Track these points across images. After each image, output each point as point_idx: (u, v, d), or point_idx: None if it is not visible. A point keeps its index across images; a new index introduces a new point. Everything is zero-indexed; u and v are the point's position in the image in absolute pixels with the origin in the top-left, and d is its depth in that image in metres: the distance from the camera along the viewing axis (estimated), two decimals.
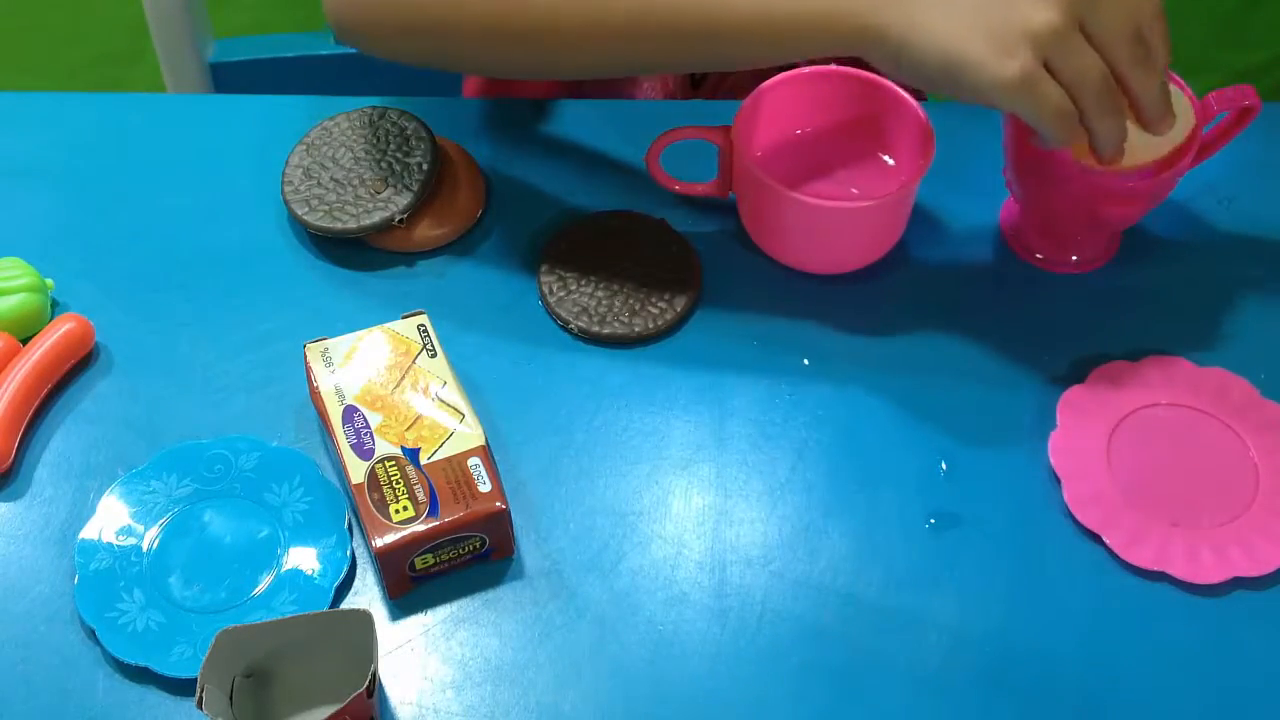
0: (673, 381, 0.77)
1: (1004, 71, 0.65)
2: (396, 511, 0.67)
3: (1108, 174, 0.73)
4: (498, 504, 0.67)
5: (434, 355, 0.72)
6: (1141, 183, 0.75)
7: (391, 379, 0.71)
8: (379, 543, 0.66)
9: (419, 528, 0.66)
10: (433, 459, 0.68)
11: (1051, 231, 0.81)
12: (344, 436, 0.69)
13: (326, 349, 0.72)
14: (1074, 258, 0.82)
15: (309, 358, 0.72)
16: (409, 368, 0.72)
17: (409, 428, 0.69)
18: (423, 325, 0.74)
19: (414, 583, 0.68)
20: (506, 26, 0.74)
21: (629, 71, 0.78)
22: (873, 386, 0.77)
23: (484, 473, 0.68)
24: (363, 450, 0.69)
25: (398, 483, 0.67)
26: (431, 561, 0.67)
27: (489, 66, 0.80)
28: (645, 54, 0.74)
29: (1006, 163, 0.79)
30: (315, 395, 0.72)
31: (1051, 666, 0.67)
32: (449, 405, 0.70)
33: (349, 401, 0.70)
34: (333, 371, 0.71)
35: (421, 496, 0.67)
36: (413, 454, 0.69)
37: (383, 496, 0.67)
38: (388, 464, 0.68)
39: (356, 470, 0.68)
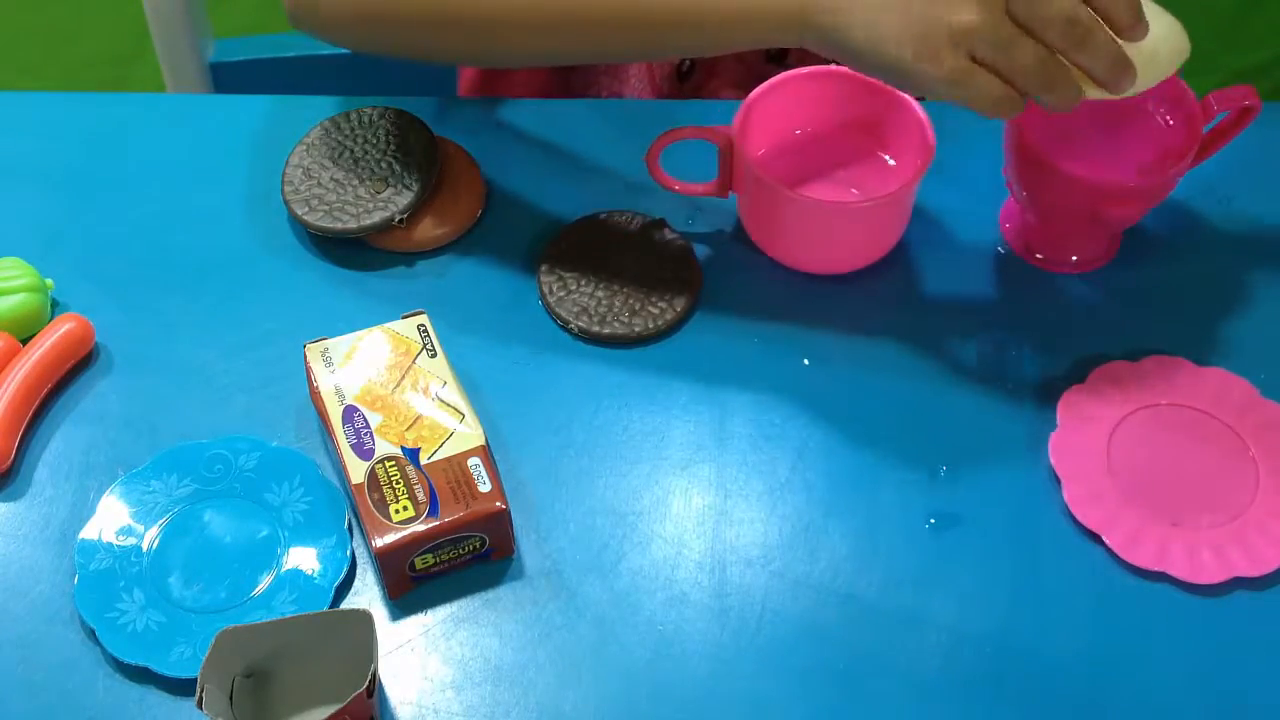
0: (673, 381, 0.77)
1: (933, 72, 0.65)
2: (396, 511, 0.67)
3: (1108, 177, 0.73)
4: (498, 504, 0.67)
5: (434, 355, 0.72)
6: (1142, 182, 0.75)
7: (391, 379, 0.71)
8: (379, 543, 0.66)
9: (419, 528, 0.66)
10: (433, 459, 0.68)
11: (1052, 231, 0.81)
12: (344, 436, 0.69)
13: (326, 349, 0.72)
14: (1074, 258, 0.82)
15: (309, 358, 0.72)
16: (409, 368, 0.72)
17: (409, 428, 0.69)
18: (422, 325, 0.74)
19: (414, 583, 0.68)
20: (449, 15, 0.75)
21: (575, 59, 0.79)
22: (873, 386, 0.77)
23: (484, 473, 0.68)
24: (363, 450, 0.69)
25: (398, 483, 0.67)
26: (431, 561, 0.67)
27: (436, 53, 0.81)
28: (588, 42, 0.75)
29: (1007, 162, 0.79)
30: (315, 395, 0.72)
31: (1051, 666, 0.67)
32: (449, 405, 0.70)
33: (349, 401, 0.70)
34: (333, 371, 0.71)
35: (421, 496, 0.67)
36: (413, 454, 0.68)
37: (383, 496, 0.67)
38: (388, 464, 0.68)
39: (356, 470, 0.68)
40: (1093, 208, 0.76)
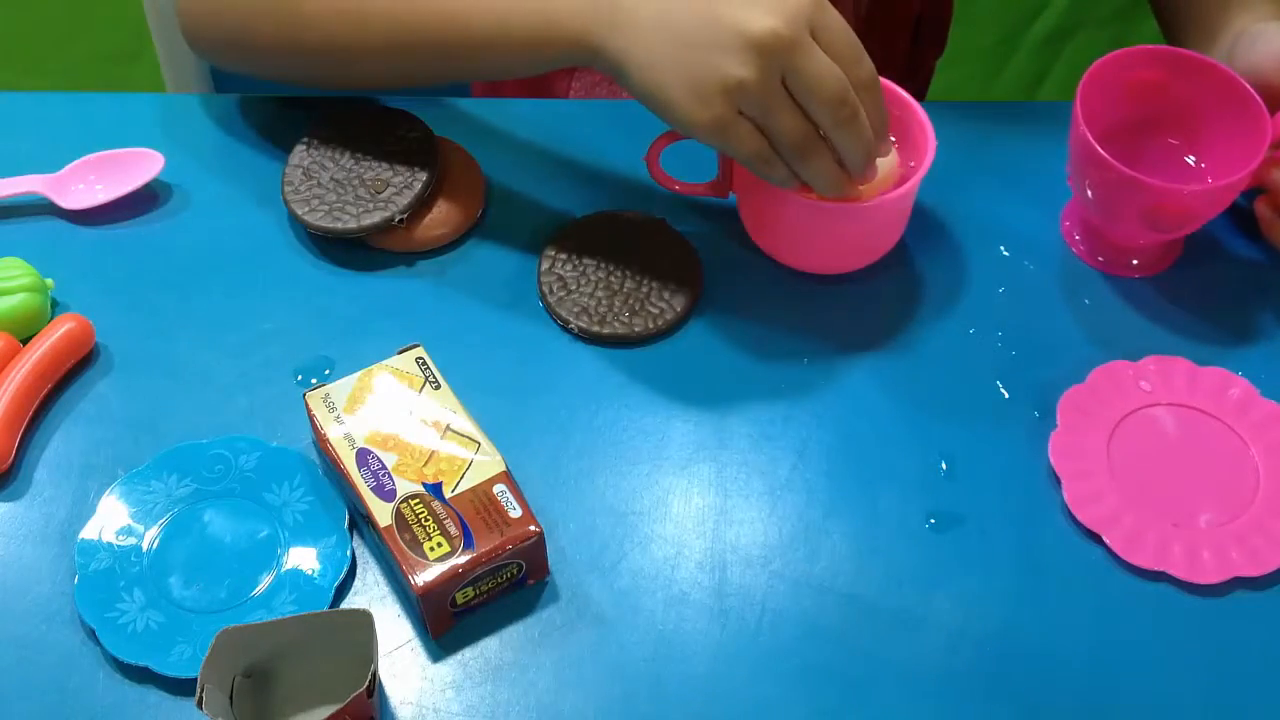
0: (673, 381, 0.77)
1: (698, 117, 0.68)
2: (431, 549, 0.65)
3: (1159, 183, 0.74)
4: (531, 528, 0.66)
5: (438, 387, 0.71)
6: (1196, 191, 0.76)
7: (399, 417, 0.70)
8: (419, 581, 0.64)
9: (458, 560, 0.65)
10: (457, 491, 0.67)
11: (1110, 232, 0.81)
12: (362, 480, 0.68)
13: (328, 394, 0.71)
14: (1134, 261, 0.82)
15: (311, 405, 0.70)
16: (415, 404, 0.71)
17: (426, 463, 0.68)
18: (421, 358, 0.72)
19: (454, 619, 0.68)
20: (293, 42, 0.80)
21: (404, 83, 0.84)
22: (873, 386, 0.77)
23: (511, 498, 0.67)
24: (384, 492, 0.67)
25: (426, 520, 0.66)
26: (472, 595, 0.67)
27: (293, 78, 0.85)
28: (409, 66, 0.80)
29: (1069, 159, 0.79)
30: (323, 443, 0.70)
31: (1051, 666, 0.67)
32: (462, 435, 0.69)
33: (360, 445, 0.69)
34: (338, 419, 0.70)
35: (454, 530, 0.66)
36: (435, 489, 0.67)
37: (414, 536, 0.66)
38: (413, 502, 0.67)
39: (382, 513, 0.67)
40: (1144, 210, 0.75)
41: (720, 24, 0.67)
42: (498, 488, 0.68)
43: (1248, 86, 0.76)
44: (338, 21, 0.78)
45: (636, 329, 0.78)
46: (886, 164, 0.74)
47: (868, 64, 0.70)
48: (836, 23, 0.69)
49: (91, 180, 0.84)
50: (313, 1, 0.78)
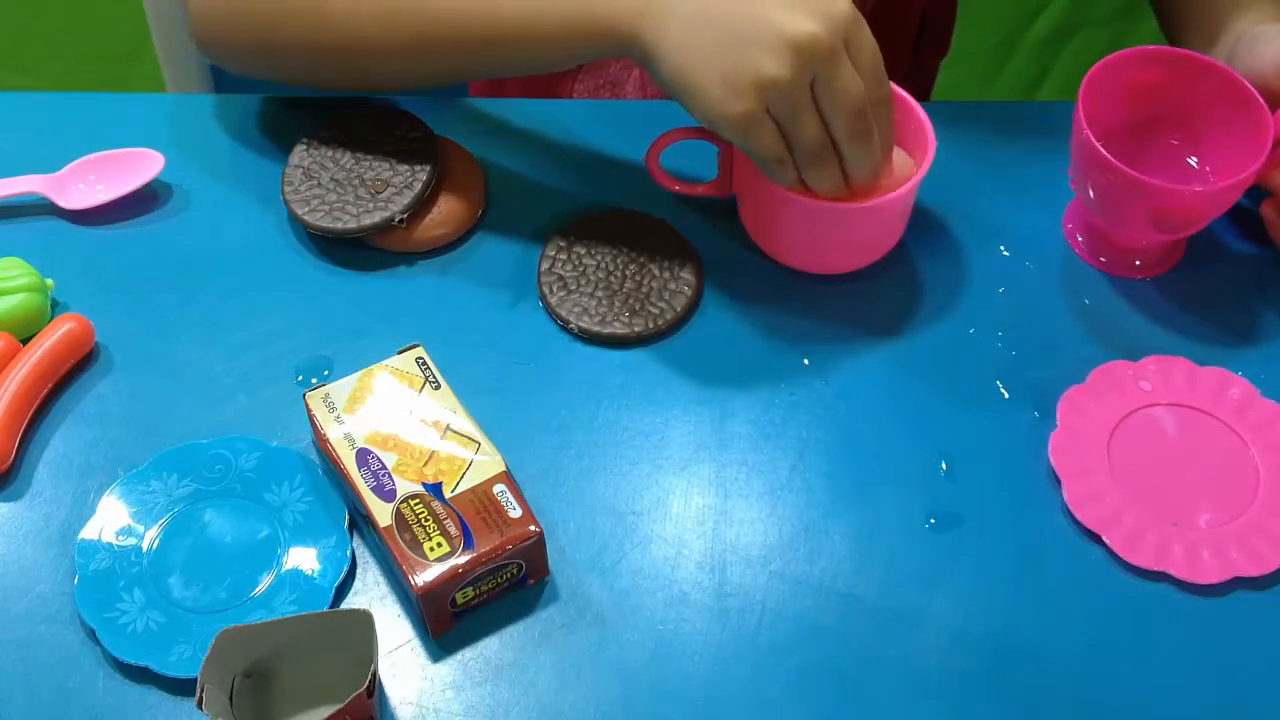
0: (673, 381, 0.77)
1: (728, 109, 0.69)
2: (431, 549, 0.65)
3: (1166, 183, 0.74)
4: (531, 528, 0.66)
5: (438, 387, 0.71)
6: (1199, 191, 0.76)
7: (399, 417, 0.70)
8: (419, 581, 0.64)
9: (458, 560, 0.65)
10: (457, 491, 0.67)
11: (1115, 234, 0.81)
12: (362, 481, 0.68)
13: (328, 394, 0.71)
14: (1136, 262, 0.82)
15: (311, 405, 0.70)
16: (415, 404, 0.71)
17: (426, 463, 0.68)
18: (421, 358, 0.72)
19: (454, 619, 0.68)
20: (315, 45, 0.80)
21: (437, 80, 0.83)
22: (873, 386, 0.77)
23: (511, 498, 0.67)
24: (383, 492, 0.67)
25: (426, 520, 0.66)
26: (472, 595, 0.67)
27: (314, 81, 0.85)
28: (438, 63, 0.80)
29: (1072, 162, 0.79)
30: (323, 443, 0.70)
31: (1051, 666, 0.67)
32: (462, 435, 0.69)
33: (360, 445, 0.69)
34: (338, 419, 0.70)
35: (454, 530, 0.66)
36: (435, 489, 0.67)
37: (414, 536, 0.66)
38: (412, 502, 0.67)
39: (382, 513, 0.67)
40: (1150, 211, 0.75)
41: (761, 22, 0.68)
42: (498, 488, 0.68)
43: (1248, 86, 0.76)
44: (366, 19, 0.78)
45: (636, 329, 0.78)
46: (894, 182, 0.75)
47: (887, 85, 0.71)
48: (867, 39, 0.70)
49: (91, 180, 0.84)
50: (340, 1, 0.78)
